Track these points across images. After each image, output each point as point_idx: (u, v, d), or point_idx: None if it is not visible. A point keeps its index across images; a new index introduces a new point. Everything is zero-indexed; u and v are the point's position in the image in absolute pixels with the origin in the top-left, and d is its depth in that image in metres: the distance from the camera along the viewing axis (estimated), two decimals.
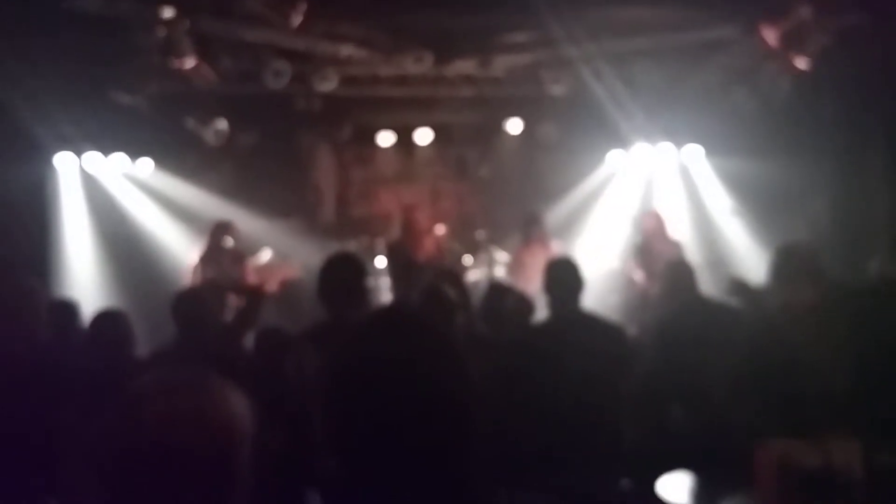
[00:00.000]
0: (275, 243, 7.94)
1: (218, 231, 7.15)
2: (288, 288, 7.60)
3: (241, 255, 7.17)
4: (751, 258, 7.75)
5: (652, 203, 8.68)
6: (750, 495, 2.78)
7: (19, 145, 7.22)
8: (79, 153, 8.15)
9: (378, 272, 7.70)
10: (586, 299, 3.96)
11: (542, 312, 4.44)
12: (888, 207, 7.38)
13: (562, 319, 3.90)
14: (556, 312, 3.94)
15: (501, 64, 7.57)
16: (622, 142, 8.53)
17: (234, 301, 5.28)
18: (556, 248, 7.29)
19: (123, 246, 8.35)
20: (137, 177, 8.54)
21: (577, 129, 8.49)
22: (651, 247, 7.09)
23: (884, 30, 6.32)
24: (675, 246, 7.05)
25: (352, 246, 8.16)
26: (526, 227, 7.56)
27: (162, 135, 8.03)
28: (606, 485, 3.72)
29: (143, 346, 4.18)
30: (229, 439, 1.30)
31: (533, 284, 5.75)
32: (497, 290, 4.79)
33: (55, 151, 8.01)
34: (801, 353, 2.85)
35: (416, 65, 7.20)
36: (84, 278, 8.11)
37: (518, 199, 9.11)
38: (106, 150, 8.23)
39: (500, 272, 7.90)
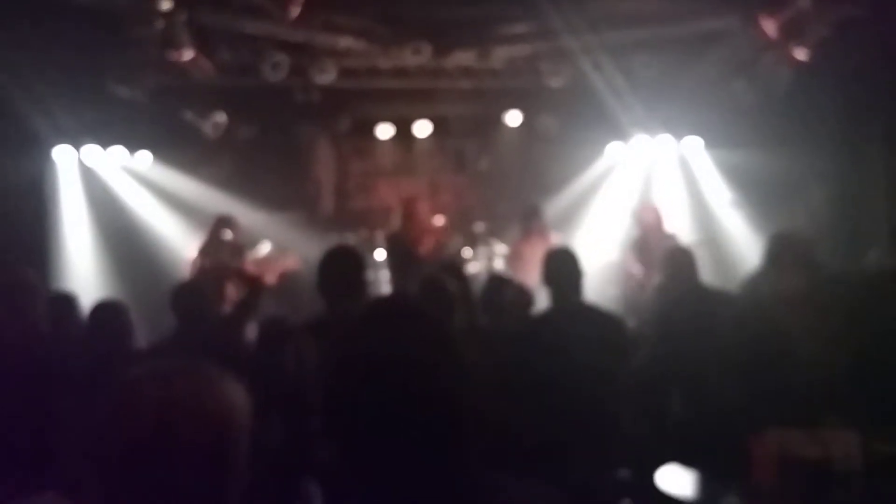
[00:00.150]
0: (274, 236, 7.93)
1: (218, 224, 7.17)
2: (287, 280, 7.59)
3: (240, 248, 7.18)
4: (750, 250, 7.74)
5: (651, 195, 8.68)
6: (748, 485, 2.78)
7: (18, 138, 7.22)
8: (77, 146, 8.16)
9: (377, 265, 7.70)
10: (585, 291, 3.97)
11: (541, 304, 4.44)
12: (887, 198, 7.38)
13: (561, 310, 3.90)
14: (556, 303, 3.94)
15: (500, 55, 7.55)
16: (621, 134, 8.51)
17: (233, 293, 5.28)
18: (556, 240, 7.29)
19: (122, 239, 8.36)
20: (136, 170, 8.54)
21: (577, 121, 8.48)
22: (648, 240, 7.09)
23: (883, 20, 6.31)
24: (673, 240, 7.05)
25: (351, 238, 8.16)
26: (525, 220, 7.56)
27: (160, 127, 8.03)
28: (606, 475, 3.73)
29: (142, 339, 4.19)
30: (225, 427, 1.30)
31: (532, 277, 5.75)
32: (496, 283, 4.79)
33: (54, 144, 8.01)
34: (793, 341, 2.86)
35: (415, 56, 7.18)
36: (83, 271, 8.12)
37: (517, 191, 9.11)
38: (104, 143, 8.23)
39: (499, 265, 7.91)
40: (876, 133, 7.43)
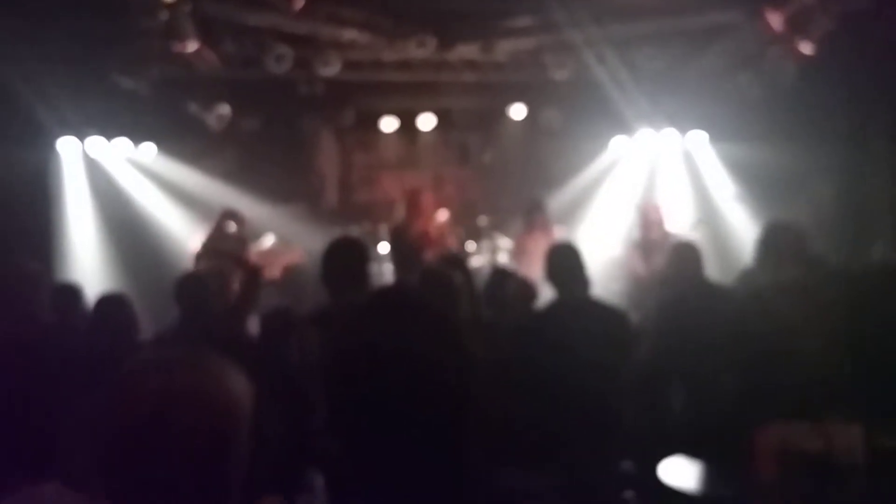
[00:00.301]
0: (278, 228, 7.95)
1: (224, 217, 7.19)
2: (291, 273, 7.64)
3: (244, 240, 7.19)
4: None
5: (656, 189, 8.66)
6: (750, 478, 2.78)
7: (23, 130, 7.23)
8: (82, 138, 8.16)
9: (381, 257, 7.70)
10: (592, 285, 3.98)
11: (545, 298, 4.44)
12: (892, 192, 7.37)
13: (565, 304, 3.91)
14: (560, 297, 3.95)
15: (504, 49, 7.53)
16: (626, 127, 8.50)
17: (236, 284, 5.28)
18: (559, 234, 7.28)
19: (126, 230, 8.38)
20: (140, 161, 8.55)
21: (581, 115, 8.47)
22: (650, 238, 7.08)
23: (888, 14, 6.28)
24: (676, 237, 7.03)
25: (355, 231, 8.15)
26: (529, 214, 7.54)
27: (164, 119, 8.03)
28: (608, 467, 3.74)
29: (146, 330, 4.20)
30: (227, 416, 1.30)
31: (535, 270, 5.75)
32: (500, 276, 4.80)
33: (58, 136, 8.02)
34: (795, 334, 2.85)
35: (419, 49, 7.17)
36: (87, 262, 8.14)
37: (521, 184, 9.08)
38: (109, 135, 8.24)
39: (502, 258, 7.90)
40: (881, 127, 7.41)
